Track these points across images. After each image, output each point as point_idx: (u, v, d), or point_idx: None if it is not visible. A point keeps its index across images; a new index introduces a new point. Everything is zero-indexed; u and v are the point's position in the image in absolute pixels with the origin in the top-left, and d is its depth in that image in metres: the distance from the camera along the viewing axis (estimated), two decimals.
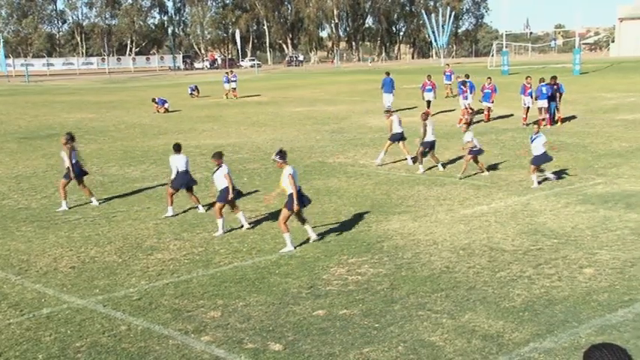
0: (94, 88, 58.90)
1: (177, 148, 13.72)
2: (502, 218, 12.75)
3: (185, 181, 13.71)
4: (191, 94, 44.53)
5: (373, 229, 12.30)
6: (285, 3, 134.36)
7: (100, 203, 14.84)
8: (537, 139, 15.42)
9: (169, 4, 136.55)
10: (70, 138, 14.69)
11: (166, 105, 35.40)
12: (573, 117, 27.32)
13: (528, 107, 26.00)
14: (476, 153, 16.46)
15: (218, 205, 12.25)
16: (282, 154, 11.27)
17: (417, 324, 8.06)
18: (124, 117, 33.43)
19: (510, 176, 16.54)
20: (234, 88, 42.59)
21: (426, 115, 17.73)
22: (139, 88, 56.18)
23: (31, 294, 9.45)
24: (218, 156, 12.37)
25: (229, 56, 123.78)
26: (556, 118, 25.83)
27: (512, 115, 26.57)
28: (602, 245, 10.94)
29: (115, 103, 41.87)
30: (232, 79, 42.74)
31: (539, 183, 15.43)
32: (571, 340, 7.54)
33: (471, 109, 26.84)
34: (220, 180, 12.26)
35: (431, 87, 30.63)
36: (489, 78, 27.85)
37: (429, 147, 17.48)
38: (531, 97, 25.77)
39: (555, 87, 25.53)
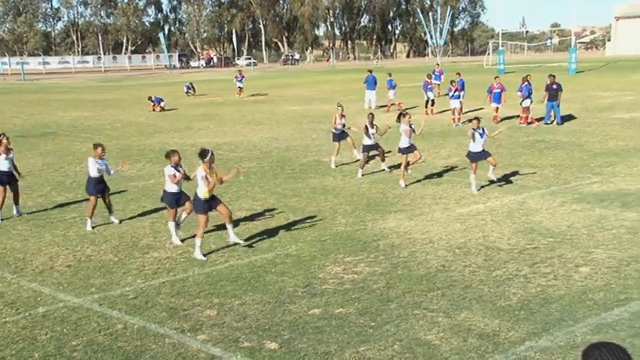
0: (89, 87, 58.79)
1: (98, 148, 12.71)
2: (498, 217, 12.77)
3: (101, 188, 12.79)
4: (187, 92, 44.53)
5: (369, 227, 12.30)
6: (281, 1, 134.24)
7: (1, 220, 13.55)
8: (483, 134, 14.85)
9: (165, 3, 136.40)
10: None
11: (162, 103, 35.35)
12: (569, 116, 27.33)
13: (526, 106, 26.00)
14: (403, 152, 15.63)
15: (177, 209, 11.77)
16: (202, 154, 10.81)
17: (413, 323, 8.06)
18: (119, 115, 33.37)
19: (506, 175, 16.55)
20: (241, 88, 42.71)
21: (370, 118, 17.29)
22: (134, 87, 56.09)
23: (27, 292, 9.43)
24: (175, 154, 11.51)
25: (225, 55, 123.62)
26: (551, 117, 25.90)
27: (518, 116, 26.39)
28: (598, 244, 10.96)
29: (111, 101, 41.81)
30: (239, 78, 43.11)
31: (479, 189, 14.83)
32: (567, 339, 7.55)
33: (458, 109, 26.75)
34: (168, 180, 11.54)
35: (432, 86, 30.84)
36: (497, 77, 27.62)
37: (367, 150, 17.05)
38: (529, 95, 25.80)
39: (555, 86, 25.48)
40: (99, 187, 12.78)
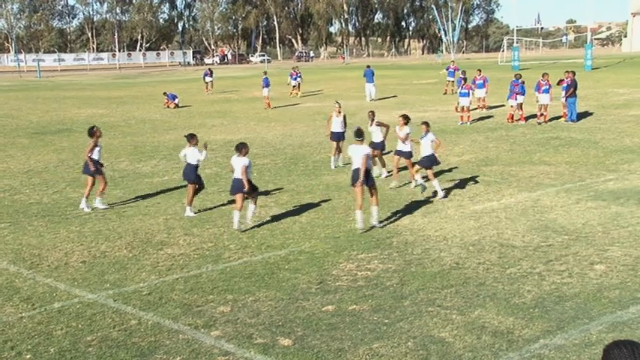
0: (104, 84, 59.09)
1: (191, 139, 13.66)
2: (512, 214, 12.71)
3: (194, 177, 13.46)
4: (204, 77, 45.08)
5: (382, 224, 12.27)
6: None
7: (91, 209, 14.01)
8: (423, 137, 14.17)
9: (179, 0, 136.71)
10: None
11: (176, 100, 35.53)
12: (585, 113, 27.14)
13: (541, 104, 25.75)
14: (404, 156, 15.23)
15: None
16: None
17: (427, 320, 8.05)
18: (134, 112, 33.53)
19: (520, 172, 16.48)
20: (295, 86, 40.48)
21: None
22: (148, 84, 56.33)
23: (43, 288, 9.51)
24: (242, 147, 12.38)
25: (239, 52, 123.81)
26: (561, 113, 25.79)
27: (534, 116, 26.08)
28: (613, 242, 10.88)
29: (125, 98, 42.01)
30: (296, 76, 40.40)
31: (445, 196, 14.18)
32: (582, 337, 7.51)
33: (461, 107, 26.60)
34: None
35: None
36: (518, 75, 27.06)
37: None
38: (547, 93, 25.60)
39: (569, 82, 25.27)
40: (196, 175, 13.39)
